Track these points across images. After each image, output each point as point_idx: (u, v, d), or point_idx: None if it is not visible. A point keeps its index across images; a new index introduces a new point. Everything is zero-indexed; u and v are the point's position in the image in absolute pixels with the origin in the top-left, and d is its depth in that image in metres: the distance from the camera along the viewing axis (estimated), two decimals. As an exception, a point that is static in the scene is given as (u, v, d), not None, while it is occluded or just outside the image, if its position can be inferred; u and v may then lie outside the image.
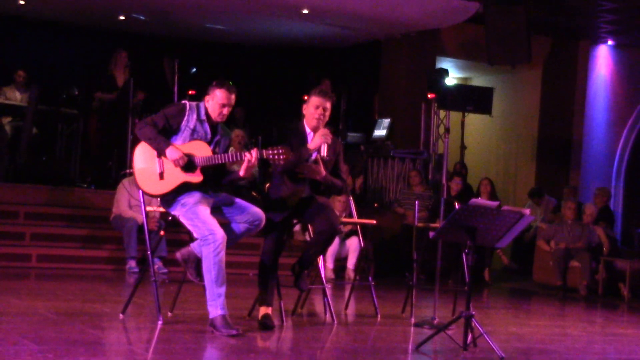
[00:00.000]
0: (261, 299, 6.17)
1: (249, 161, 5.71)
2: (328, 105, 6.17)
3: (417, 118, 13.14)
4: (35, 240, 9.76)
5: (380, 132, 12.96)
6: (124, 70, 11.51)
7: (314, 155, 6.09)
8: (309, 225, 6.55)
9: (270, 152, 5.74)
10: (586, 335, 7.40)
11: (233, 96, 5.86)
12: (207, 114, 5.87)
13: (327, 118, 6.20)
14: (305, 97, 6.26)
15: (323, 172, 6.11)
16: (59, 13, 13.34)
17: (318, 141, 6.04)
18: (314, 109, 6.14)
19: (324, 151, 6.06)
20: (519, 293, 11.24)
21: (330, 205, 6.29)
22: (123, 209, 9.67)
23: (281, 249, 6.21)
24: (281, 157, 5.74)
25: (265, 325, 6.02)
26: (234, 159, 5.78)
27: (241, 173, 5.81)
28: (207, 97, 5.89)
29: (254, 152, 5.74)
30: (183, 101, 5.97)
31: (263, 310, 6.11)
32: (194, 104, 5.90)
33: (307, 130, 6.20)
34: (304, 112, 6.23)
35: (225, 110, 5.86)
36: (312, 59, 14.78)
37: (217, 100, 5.84)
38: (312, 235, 6.53)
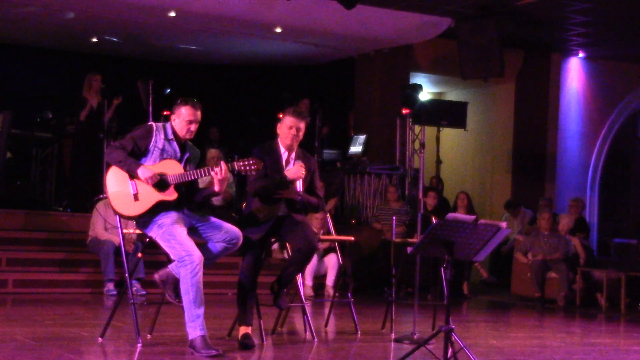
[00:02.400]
0: (241, 318, 6.15)
1: (217, 174, 5.73)
2: (302, 125, 6.20)
3: (392, 134, 13.19)
4: (11, 265, 9.68)
5: (356, 148, 12.99)
6: (97, 93, 11.48)
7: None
8: (287, 244, 6.55)
9: (241, 163, 5.79)
10: (565, 346, 7.44)
11: (198, 112, 5.89)
12: (174, 132, 5.88)
13: (300, 138, 6.24)
14: (280, 116, 6.28)
15: (299, 191, 6.14)
16: (32, 36, 13.30)
17: (296, 175, 6.08)
18: (288, 129, 6.18)
19: (300, 186, 6.10)
20: (498, 306, 11.28)
21: (307, 222, 6.30)
22: (99, 232, 9.64)
23: (259, 268, 6.20)
24: (252, 167, 5.79)
25: (246, 345, 6.00)
26: (204, 175, 5.80)
27: (216, 188, 5.83)
28: (173, 116, 5.91)
29: (222, 165, 5.76)
30: (149, 122, 5.98)
31: (243, 330, 6.09)
32: (160, 124, 5.93)
33: (282, 149, 6.23)
34: (278, 131, 6.26)
35: (193, 127, 5.88)
36: (287, 77, 14.81)
37: (183, 117, 5.86)
38: (290, 254, 6.53)
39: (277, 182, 6.09)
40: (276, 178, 6.10)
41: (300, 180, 6.12)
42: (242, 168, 5.79)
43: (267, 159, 6.13)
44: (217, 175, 5.75)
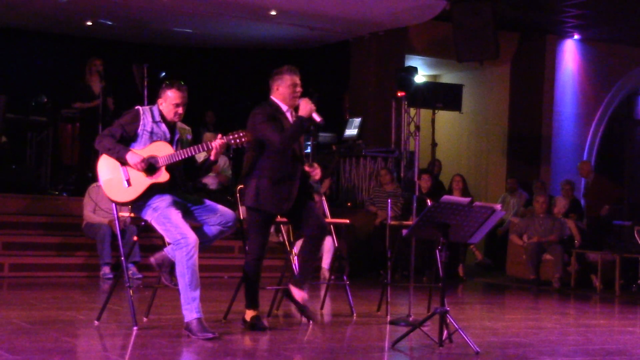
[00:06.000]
0: (250, 303, 6.12)
1: (217, 147, 5.76)
2: (299, 79, 6.21)
3: (387, 116, 13.19)
4: (7, 249, 9.70)
5: (351, 131, 12.99)
6: (99, 78, 11.45)
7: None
8: (297, 228, 6.52)
9: (232, 136, 5.80)
10: (560, 328, 7.47)
11: (185, 94, 5.90)
12: (162, 115, 5.88)
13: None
14: (275, 77, 6.21)
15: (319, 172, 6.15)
16: (25, 20, 13.24)
17: (308, 108, 6.02)
18: (293, 87, 6.15)
19: (317, 117, 6.07)
20: (493, 288, 11.32)
21: (314, 205, 6.30)
22: (88, 215, 9.69)
23: (265, 252, 6.18)
24: (243, 139, 5.79)
25: (256, 325, 6.05)
26: (197, 152, 5.80)
27: (212, 157, 5.86)
28: (159, 100, 5.91)
29: (218, 138, 5.78)
30: (136, 107, 5.97)
31: (251, 313, 6.11)
32: (146, 107, 5.93)
33: (284, 107, 6.19)
34: (278, 90, 6.17)
35: (180, 110, 5.89)
36: (282, 60, 14.72)
37: (170, 100, 5.86)
38: (285, 237, 6.53)
39: (299, 126, 6.02)
40: (296, 122, 6.02)
41: (314, 111, 6.02)
42: (233, 141, 5.80)
43: (276, 117, 6.06)
44: (214, 149, 5.76)
